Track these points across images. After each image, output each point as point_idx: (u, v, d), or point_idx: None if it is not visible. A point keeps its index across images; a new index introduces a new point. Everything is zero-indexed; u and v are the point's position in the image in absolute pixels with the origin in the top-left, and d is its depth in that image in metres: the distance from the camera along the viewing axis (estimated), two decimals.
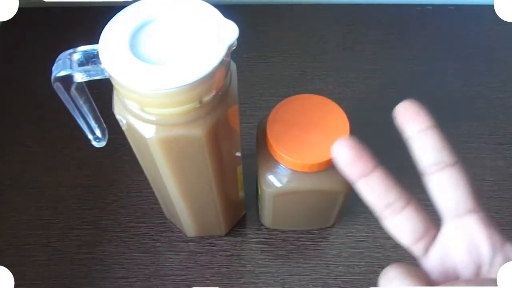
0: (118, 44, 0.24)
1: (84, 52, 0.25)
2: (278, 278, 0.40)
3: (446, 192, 0.20)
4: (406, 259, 0.41)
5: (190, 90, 0.23)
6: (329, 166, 0.32)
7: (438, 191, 0.20)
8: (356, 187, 0.20)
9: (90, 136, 0.30)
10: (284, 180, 0.33)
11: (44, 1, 0.57)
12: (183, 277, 0.40)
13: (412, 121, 0.21)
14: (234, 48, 0.24)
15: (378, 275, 0.42)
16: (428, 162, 0.20)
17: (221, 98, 0.26)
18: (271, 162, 0.33)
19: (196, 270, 0.40)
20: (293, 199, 0.36)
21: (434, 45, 0.57)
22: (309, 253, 0.41)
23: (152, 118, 0.25)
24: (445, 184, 0.20)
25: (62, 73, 0.24)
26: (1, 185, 0.45)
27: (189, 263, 0.41)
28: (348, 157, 0.19)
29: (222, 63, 0.24)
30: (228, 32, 0.24)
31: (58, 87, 0.25)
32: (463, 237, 0.19)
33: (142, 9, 0.26)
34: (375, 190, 0.20)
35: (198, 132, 0.26)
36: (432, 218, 0.21)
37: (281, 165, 0.33)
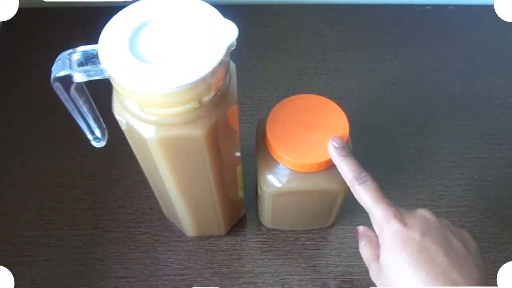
0: (118, 44, 0.24)
1: (84, 52, 0.25)
2: (278, 278, 0.40)
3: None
4: None
5: (189, 90, 0.23)
6: (329, 166, 0.32)
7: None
8: (337, 164, 0.30)
9: (89, 136, 0.30)
10: (284, 180, 0.33)
11: (44, 1, 0.57)
12: (183, 277, 0.40)
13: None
14: (233, 48, 0.24)
15: None
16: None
17: (221, 98, 0.26)
18: (271, 162, 0.33)
19: (196, 270, 0.40)
20: (293, 199, 0.36)
21: (434, 45, 0.57)
22: (308, 253, 0.41)
23: (152, 118, 0.25)
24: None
25: (62, 73, 0.24)
26: (1, 185, 0.45)
27: (189, 263, 0.41)
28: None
29: (222, 63, 0.24)
30: (227, 32, 0.24)
31: (57, 87, 0.25)
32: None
33: (142, 9, 0.26)
34: (350, 164, 0.30)
35: (197, 132, 0.26)
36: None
37: (280, 165, 0.33)
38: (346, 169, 0.30)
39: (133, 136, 0.28)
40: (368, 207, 0.29)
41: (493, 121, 0.50)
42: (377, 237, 0.29)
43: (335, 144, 0.31)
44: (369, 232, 0.31)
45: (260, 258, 0.41)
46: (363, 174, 0.29)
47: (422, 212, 0.28)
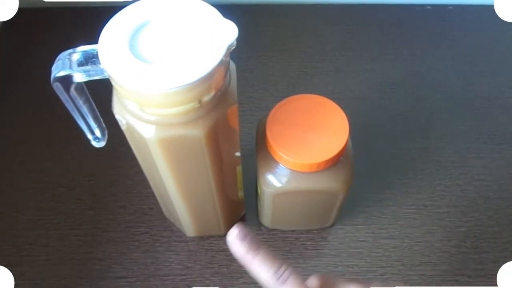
0: (118, 44, 0.24)
1: (84, 52, 0.25)
2: None
3: None
4: (405, 259, 0.42)
5: (189, 90, 0.23)
6: (328, 166, 0.32)
7: None
8: (248, 266, 0.25)
9: (89, 136, 0.30)
10: (284, 180, 0.33)
11: (44, 1, 0.57)
12: (183, 277, 0.40)
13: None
14: (233, 48, 0.24)
15: (377, 275, 0.42)
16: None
17: (221, 98, 0.26)
18: (271, 162, 0.33)
19: (196, 270, 0.40)
20: (293, 199, 0.36)
21: (434, 45, 0.57)
22: (308, 253, 0.41)
23: (152, 118, 0.25)
24: None
25: (62, 73, 0.24)
26: (1, 185, 0.45)
27: (189, 263, 0.41)
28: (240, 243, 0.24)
29: (222, 63, 0.24)
30: (227, 32, 0.24)
31: (57, 87, 0.25)
32: None
33: (142, 9, 0.26)
34: (264, 262, 0.24)
35: (197, 132, 0.26)
36: None
37: (280, 165, 0.33)
38: (263, 269, 0.24)
39: (133, 136, 0.28)
40: None
41: (493, 121, 0.50)
42: None
43: (240, 237, 0.24)
44: None
45: None
46: (283, 268, 0.24)
47: None
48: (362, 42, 0.57)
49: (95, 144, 0.31)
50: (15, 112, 0.51)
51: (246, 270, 0.40)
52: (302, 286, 0.24)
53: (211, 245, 0.42)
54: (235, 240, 0.24)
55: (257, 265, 0.24)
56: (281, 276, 0.24)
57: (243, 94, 0.50)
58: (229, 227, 0.41)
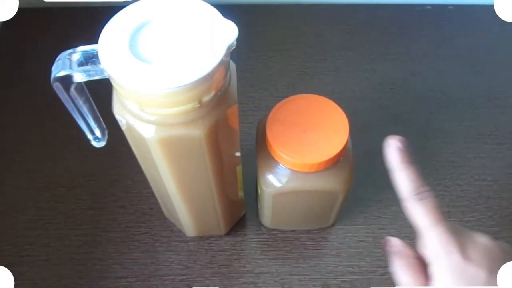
0: (118, 44, 0.24)
1: (84, 52, 0.25)
2: (278, 278, 0.40)
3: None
4: None
5: (189, 90, 0.23)
6: (328, 166, 0.32)
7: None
8: (395, 173, 0.26)
9: (89, 136, 0.30)
10: (284, 180, 0.33)
11: (44, 1, 0.57)
12: (183, 277, 0.40)
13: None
14: (233, 48, 0.24)
15: (377, 275, 0.42)
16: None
17: (221, 98, 0.26)
18: (271, 162, 0.33)
19: (196, 270, 0.40)
20: (293, 199, 0.36)
21: (434, 45, 0.57)
22: (308, 253, 0.41)
23: (152, 118, 0.25)
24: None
25: (62, 73, 0.24)
26: (1, 185, 0.45)
27: (189, 263, 0.41)
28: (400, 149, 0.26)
29: (222, 63, 0.24)
30: (227, 32, 0.24)
31: (57, 87, 0.25)
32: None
33: (142, 9, 0.26)
34: (412, 175, 0.25)
35: (197, 132, 0.26)
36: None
37: (280, 165, 0.33)
38: (407, 180, 0.25)
39: (133, 136, 0.28)
40: (422, 228, 0.25)
41: (493, 121, 0.50)
42: (419, 259, 0.25)
43: (400, 146, 0.26)
44: (408, 251, 0.26)
45: (260, 258, 0.41)
46: (426, 188, 0.25)
47: (484, 241, 0.24)
48: (362, 42, 0.57)
49: (95, 144, 0.31)
50: (15, 112, 0.51)
51: (246, 270, 0.40)
52: (436, 210, 0.24)
53: (211, 245, 0.42)
54: (399, 146, 0.26)
55: (405, 175, 0.25)
56: (421, 193, 0.25)
57: (243, 94, 0.50)
58: (229, 227, 0.42)
